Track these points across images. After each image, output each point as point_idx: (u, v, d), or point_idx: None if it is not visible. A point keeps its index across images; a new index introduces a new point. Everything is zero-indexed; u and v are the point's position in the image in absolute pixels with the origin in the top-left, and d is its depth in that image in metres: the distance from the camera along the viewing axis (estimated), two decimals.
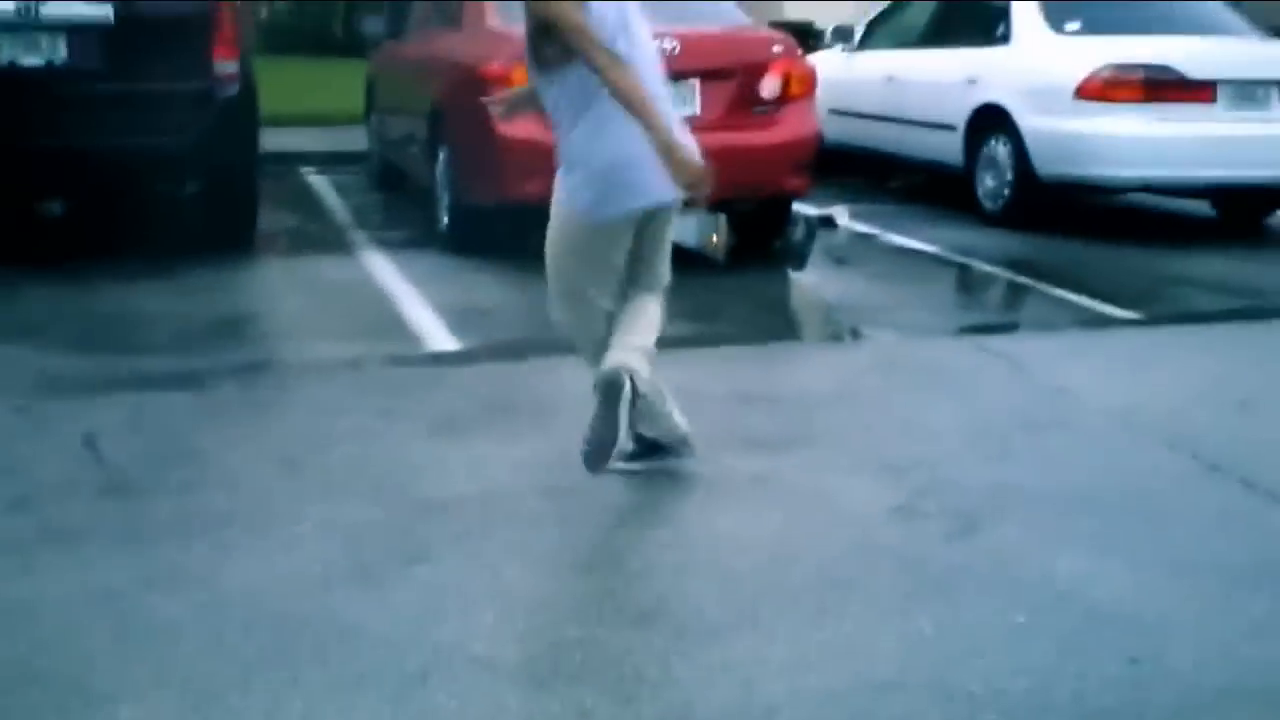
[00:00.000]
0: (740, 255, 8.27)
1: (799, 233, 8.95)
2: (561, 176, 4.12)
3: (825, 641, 3.25)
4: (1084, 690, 3.03)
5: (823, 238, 8.91)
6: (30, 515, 3.92)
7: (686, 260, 7.92)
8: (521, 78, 7.12)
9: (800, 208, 9.22)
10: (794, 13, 18.19)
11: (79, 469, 4.26)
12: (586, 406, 4.21)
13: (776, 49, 7.73)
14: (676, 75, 7.25)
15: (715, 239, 6.77)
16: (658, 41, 6.88)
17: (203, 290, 6.81)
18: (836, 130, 10.80)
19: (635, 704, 2.94)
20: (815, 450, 4.65)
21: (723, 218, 8.06)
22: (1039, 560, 3.73)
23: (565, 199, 4.10)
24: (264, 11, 22.19)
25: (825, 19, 15.33)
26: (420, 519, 3.96)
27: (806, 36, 11.47)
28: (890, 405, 5.20)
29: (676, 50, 7.31)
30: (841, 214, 9.25)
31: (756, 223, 8.36)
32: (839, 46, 11.31)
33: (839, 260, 8.25)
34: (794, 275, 8.13)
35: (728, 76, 7.51)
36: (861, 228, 9.07)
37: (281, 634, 3.22)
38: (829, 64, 11.31)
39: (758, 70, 7.57)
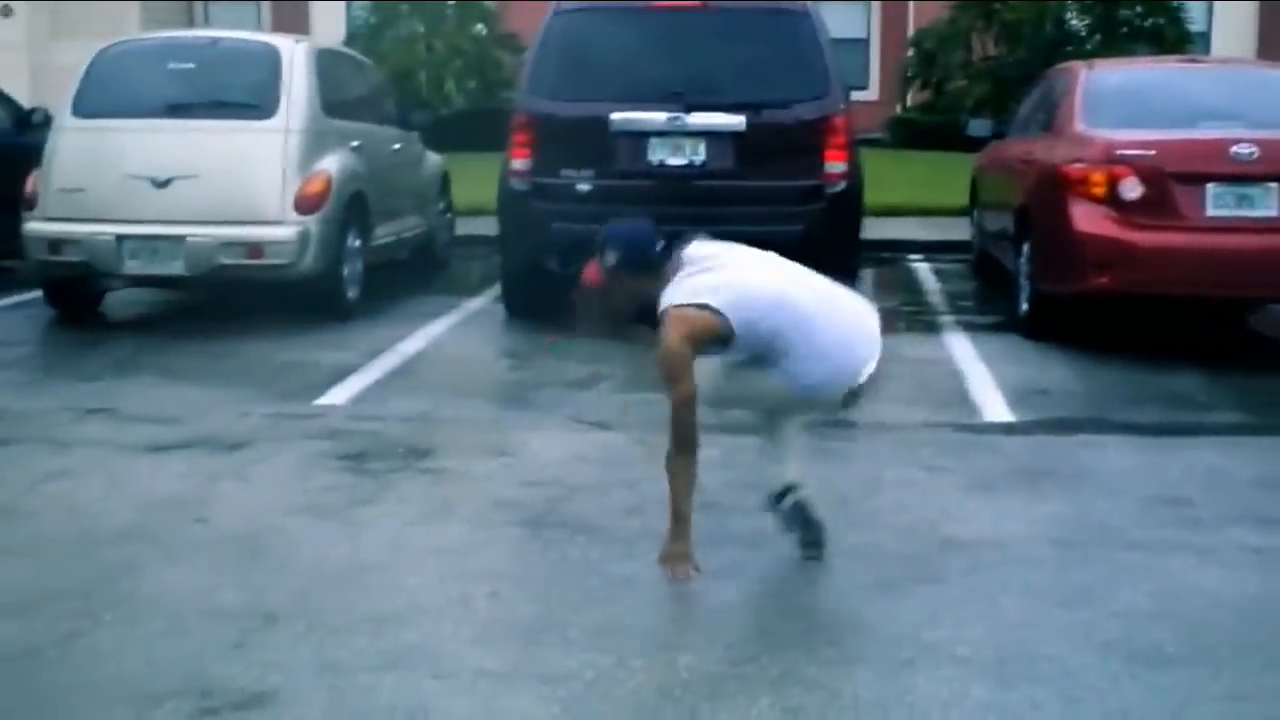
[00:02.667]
0: None
1: None
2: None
3: (1265, 684, 3.74)
4: None
5: None
6: (638, 518, 5.06)
7: (1264, 356, 8.23)
8: (1102, 181, 7.80)
9: None
10: None
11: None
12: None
13: None
14: (1257, 178, 7.67)
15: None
16: (1234, 147, 7.41)
17: None
18: None
19: (1077, 705, 3.59)
20: None
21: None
22: None
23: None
24: (899, 108, 23.56)
25: None
26: (939, 552, 4.75)
27: None
28: None
29: (1258, 155, 7.68)
30: None
31: None
32: None
33: None
34: None
35: None
36: None
37: (805, 623, 4.13)
38: None
39: None
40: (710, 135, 8.48)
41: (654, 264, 4.40)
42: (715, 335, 4.26)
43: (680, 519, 4.35)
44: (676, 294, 4.31)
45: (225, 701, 3.61)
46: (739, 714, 3.54)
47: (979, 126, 11.28)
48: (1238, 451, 6.13)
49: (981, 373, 7.57)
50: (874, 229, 11.30)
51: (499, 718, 3.55)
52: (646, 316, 4.43)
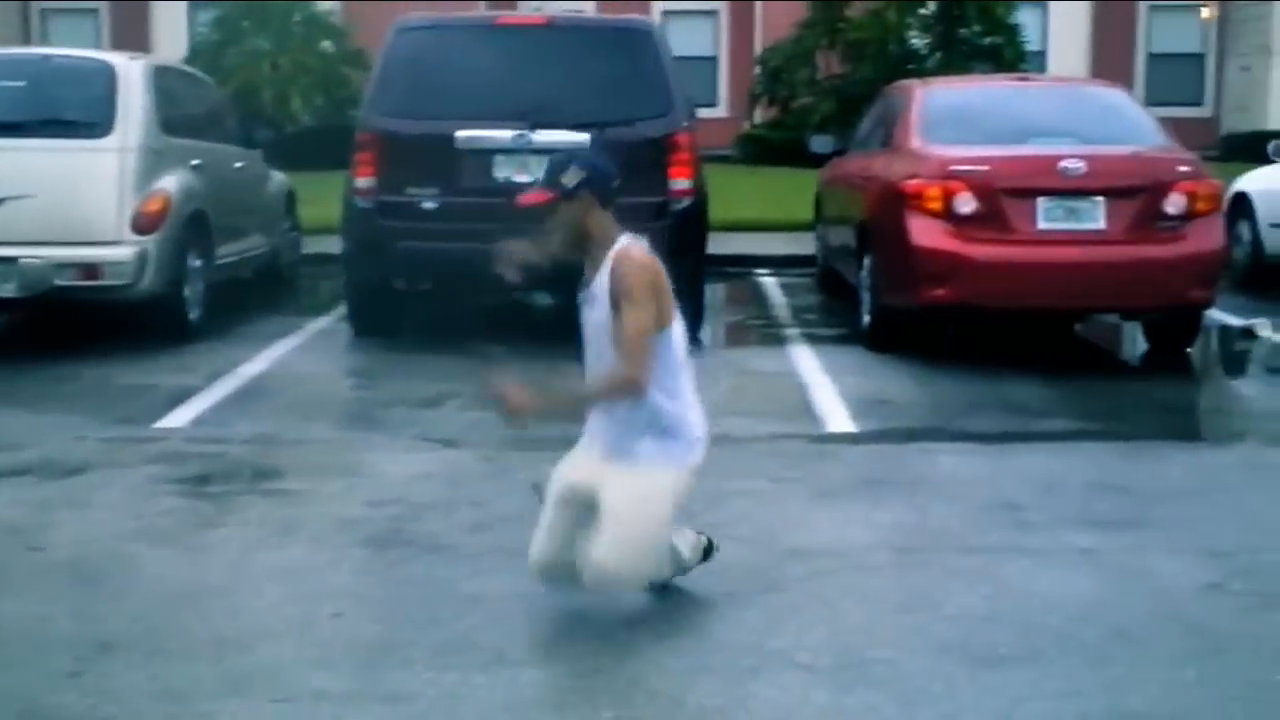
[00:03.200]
0: (1152, 362, 8.74)
1: (1215, 342, 9.23)
2: (678, 430, 4.29)
3: (1094, 680, 3.86)
4: None
5: (1239, 349, 9.18)
6: (486, 535, 5.05)
7: (1096, 366, 8.51)
8: (938, 196, 8.01)
9: (1224, 319, 9.53)
10: None
11: (525, 505, 5.36)
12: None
13: (1183, 169, 8.17)
14: (1085, 192, 7.93)
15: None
16: (1063, 163, 7.62)
17: None
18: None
19: (912, 707, 3.68)
20: (1149, 533, 5.19)
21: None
22: None
23: (687, 450, 4.31)
24: (747, 125, 23.87)
25: None
26: (782, 561, 4.82)
27: None
28: (1238, 501, 5.63)
29: (1084, 170, 7.95)
30: (1264, 327, 9.41)
31: (1166, 332, 8.75)
32: None
33: (1240, 371, 8.56)
34: (1196, 381, 8.49)
35: (1134, 194, 8.01)
36: None
37: (650, 632, 4.17)
38: (1271, 178, 11.47)
39: (1163, 188, 8.02)
40: (554, 153, 8.47)
41: (615, 194, 4.28)
42: (667, 284, 4.17)
43: (566, 402, 4.40)
44: (630, 239, 4.21)
45: None
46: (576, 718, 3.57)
47: (821, 143, 11.48)
48: (1071, 457, 6.31)
49: (825, 385, 7.69)
50: (722, 244, 11.44)
51: None
52: (581, 250, 4.28)
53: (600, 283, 4.21)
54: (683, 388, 4.32)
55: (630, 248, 4.20)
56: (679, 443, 4.28)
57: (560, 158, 4.31)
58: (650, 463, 4.23)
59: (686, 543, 4.51)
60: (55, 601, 4.48)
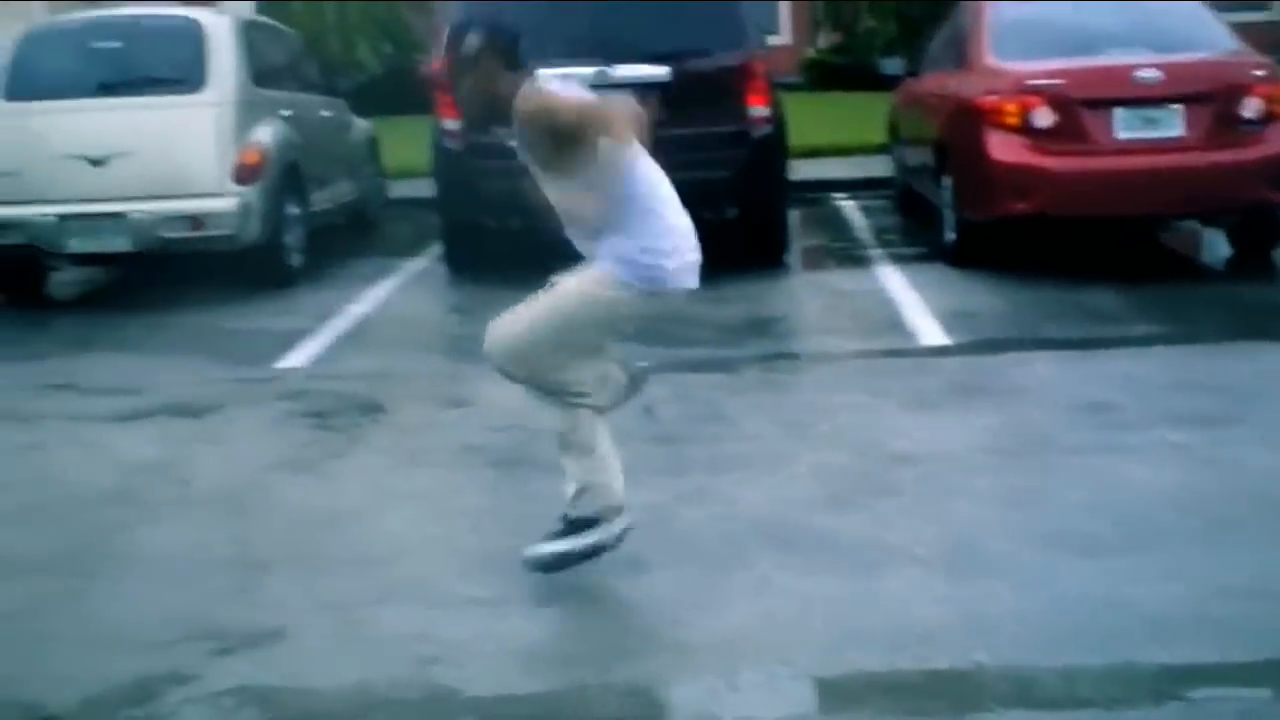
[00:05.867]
0: (1235, 266, 8.86)
1: None
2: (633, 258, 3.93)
3: (1194, 563, 4.08)
4: None
5: None
6: None
7: (1180, 273, 8.63)
8: (1015, 111, 8.15)
9: None
10: None
11: (638, 425, 5.61)
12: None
13: (1259, 73, 8.23)
14: (1161, 100, 8.03)
15: None
16: (1138, 72, 7.65)
17: (739, 299, 8.14)
18: None
19: (1027, 593, 3.92)
20: (1238, 428, 5.37)
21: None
22: None
23: (633, 271, 3.93)
24: (810, 52, 23.85)
25: None
26: (888, 467, 5.06)
27: None
28: None
29: (1161, 78, 8.04)
30: None
31: (1246, 235, 8.84)
32: None
33: None
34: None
35: (1210, 100, 8.10)
36: None
37: (773, 538, 4.42)
38: None
39: (1239, 93, 8.10)
40: (636, 86, 8.68)
41: (518, 53, 3.97)
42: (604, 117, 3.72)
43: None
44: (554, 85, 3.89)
45: (239, 641, 3.84)
46: (718, 620, 3.83)
47: (892, 65, 11.59)
48: (1154, 359, 6.49)
49: (914, 300, 7.89)
50: (798, 170, 11.56)
51: (499, 640, 3.80)
52: (498, 116, 4.02)
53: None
54: (647, 227, 3.93)
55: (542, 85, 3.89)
56: (626, 266, 3.93)
57: (457, 22, 4.03)
58: (592, 270, 4.01)
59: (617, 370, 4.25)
60: (208, 528, 4.80)
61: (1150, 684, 3.36)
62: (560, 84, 3.94)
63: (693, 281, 4.07)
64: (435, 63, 4.10)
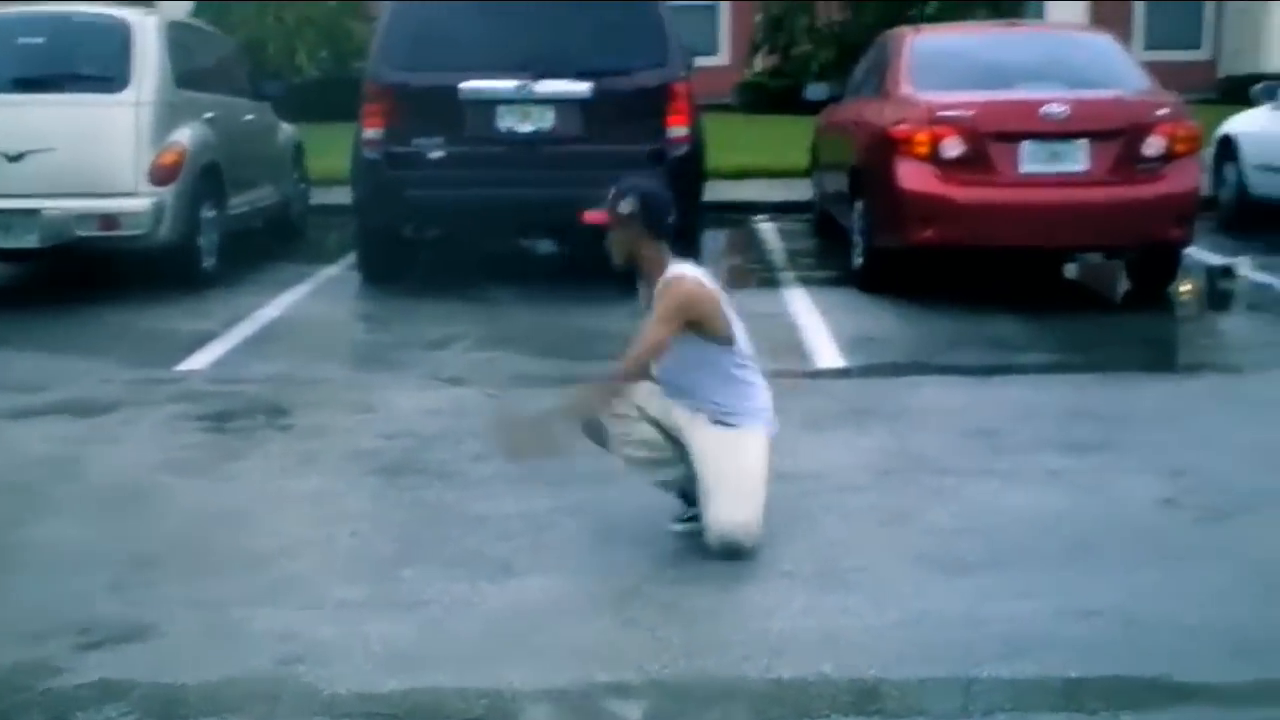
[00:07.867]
0: (1133, 300, 9.06)
1: (1193, 280, 9.54)
2: (754, 404, 4.67)
3: (1052, 583, 4.21)
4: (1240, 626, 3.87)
5: (1220, 286, 9.49)
6: (490, 464, 5.39)
7: (1079, 304, 8.82)
8: (925, 141, 8.32)
9: (1203, 257, 9.84)
10: None
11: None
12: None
13: (1162, 111, 8.45)
14: (1067, 135, 8.23)
15: None
16: (1046, 107, 7.89)
17: (638, 318, 8.23)
18: (1265, 185, 11.24)
19: (884, 608, 4.03)
20: (1114, 455, 5.52)
21: None
22: (1270, 545, 4.52)
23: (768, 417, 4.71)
24: (746, 74, 24.06)
25: None
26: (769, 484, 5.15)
27: None
28: (1203, 426, 5.96)
29: (1068, 114, 8.24)
30: (1244, 265, 9.71)
31: (1147, 271, 9.05)
32: (1267, 104, 11.64)
33: (1219, 307, 8.92)
34: (1174, 317, 8.79)
35: (1115, 137, 8.30)
36: (1265, 278, 9.52)
37: (645, 548, 4.51)
38: (1256, 121, 11.72)
39: (1143, 130, 8.31)
40: (557, 102, 8.80)
41: (665, 227, 4.55)
42: (714, 309, 4.48)
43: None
44: (683, 269, 4.52)
45: (108, 635, 3.89)
46: (583, 627, 3.92)
47: (817, 90, 11.75)
48: (1049, 387, 6.65)
49: (818, 323, 8.03)
50: (722, 191, 11.77)
51: (363, 641, 3.86)
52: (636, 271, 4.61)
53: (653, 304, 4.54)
54: (741, 395, 4.63)
55: (681, 275, 4.50)
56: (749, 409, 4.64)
57: (624, 185, 4.57)
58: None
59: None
60: (93, 525, 4.84)
61: (986, 697, 3.48)
62: (696, 271, 4.57)
63: None
64: (593, 214, 4.55)
